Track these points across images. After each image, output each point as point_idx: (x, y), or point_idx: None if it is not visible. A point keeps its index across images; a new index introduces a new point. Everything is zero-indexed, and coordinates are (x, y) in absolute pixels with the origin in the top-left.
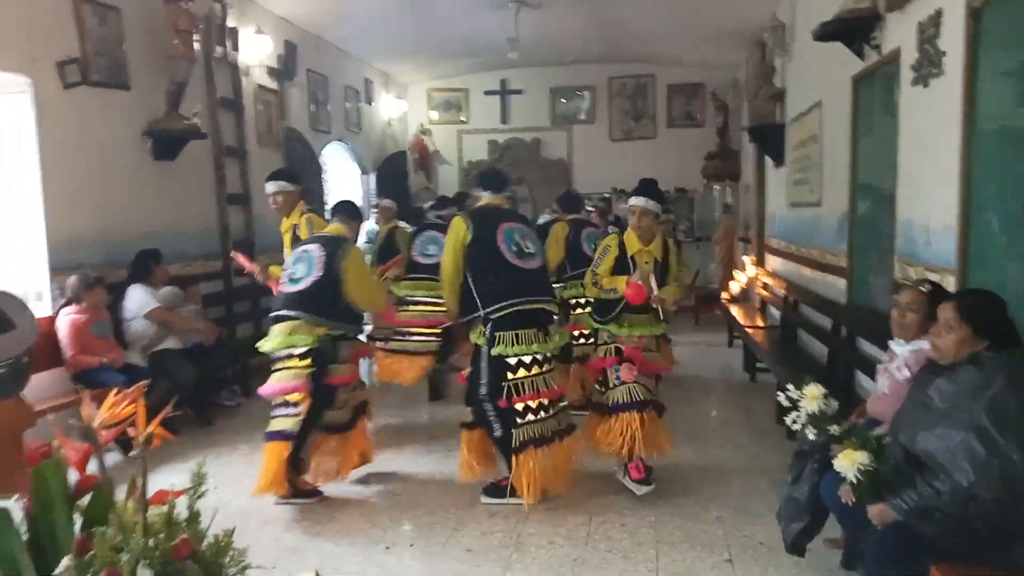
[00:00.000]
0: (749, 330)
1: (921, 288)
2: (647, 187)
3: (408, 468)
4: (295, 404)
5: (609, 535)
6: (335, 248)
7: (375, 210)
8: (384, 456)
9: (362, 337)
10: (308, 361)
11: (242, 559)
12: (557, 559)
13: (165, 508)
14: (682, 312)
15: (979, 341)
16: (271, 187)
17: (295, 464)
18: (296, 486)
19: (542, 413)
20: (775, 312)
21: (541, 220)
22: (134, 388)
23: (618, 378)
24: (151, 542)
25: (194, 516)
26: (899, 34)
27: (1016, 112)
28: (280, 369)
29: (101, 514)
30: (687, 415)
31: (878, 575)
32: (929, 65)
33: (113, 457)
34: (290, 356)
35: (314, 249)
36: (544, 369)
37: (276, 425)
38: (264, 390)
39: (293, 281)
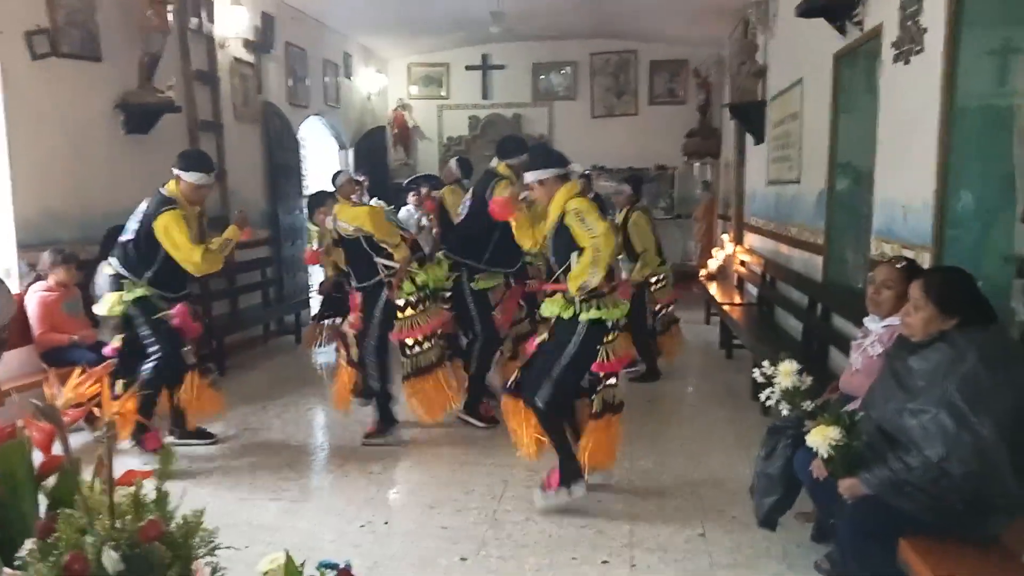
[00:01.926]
0: (726, 307)
1: (896, 265)
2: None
3: (383, 449)
4: None
5: (584, 510)
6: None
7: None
8: (360, 435)
9: None
10: None
11: (212, 539)
12: (532, 535)
13: (132, 489)
14: None
15: (948, 319)
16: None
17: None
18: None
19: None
20: (752, 289)
21: None
22: (100, 367)
23: None
24: (117, 524)
25: (162, 497)
26: (881, 11)
27: (996, 91)
28: None
29: (66, 496)
30: (664, 391)
31: (849, 549)
32: (910, 42)
33: (82, 437)
34: None
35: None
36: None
37: None
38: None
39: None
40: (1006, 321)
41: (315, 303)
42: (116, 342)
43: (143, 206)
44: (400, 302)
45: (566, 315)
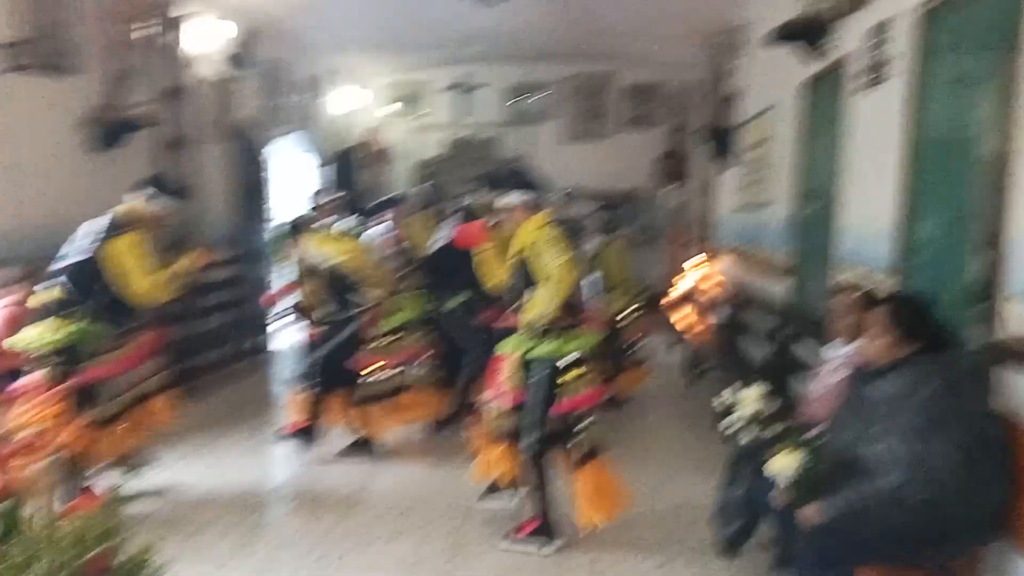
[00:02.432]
0: (690, 333)
1: (857, 293)
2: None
3: (342, 477)
4: None
5: None
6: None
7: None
8: (320, 466)
9: None
10: None
11: (161, 573)
12: (493, 567)
13: (79, 523)
14: None
15: (907, 345)
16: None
17: None
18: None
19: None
20: (718, 314)
21: None
22: (44, 391)
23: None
24: (62, 558)
25: (107, 531)
26: (849, 40)
27: (957, 118)
28: None
29: (9, 529)
30: (628, 418)
31: None
32: (875, 71)
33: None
34: None
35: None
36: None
37: None
38: None
39: None
40: (961, 348)
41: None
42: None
43: (87, 229)
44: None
45: (521, 352)
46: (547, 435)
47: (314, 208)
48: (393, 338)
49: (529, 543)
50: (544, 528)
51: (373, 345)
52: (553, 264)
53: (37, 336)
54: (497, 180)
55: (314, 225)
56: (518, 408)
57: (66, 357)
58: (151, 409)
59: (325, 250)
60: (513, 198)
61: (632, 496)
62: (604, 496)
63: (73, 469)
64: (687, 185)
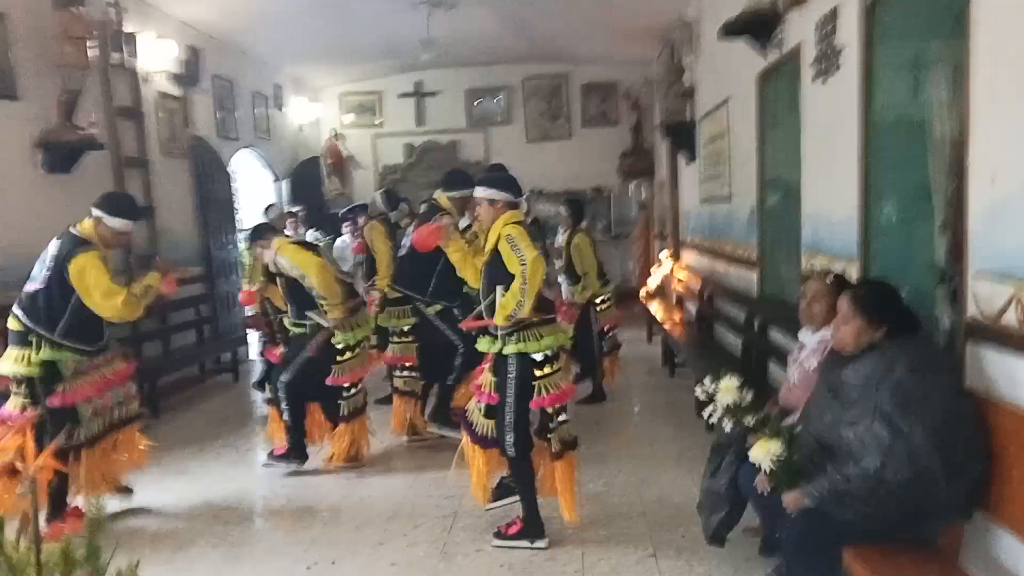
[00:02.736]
0: (667, 325)
1: (825, 279)
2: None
3: (326, 487)
4: None
5: None
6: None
7: (289, 218)
8: (303, 477)
9: None
10: None
11: None
12: (484, 566)
13: (61, 544)
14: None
15: (876, 330)
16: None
17: None
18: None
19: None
20: (692, 306)
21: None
22: (23, 418)
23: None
24: None
25: (93, 551)
26: (799, 31)
27: (910, 103)
28: None
29: None
30: (610, 412)
31: (794, 560)
32: (827, 61)
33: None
34: None
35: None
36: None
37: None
38: None
39: None
40: (931, 328)
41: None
42: (14, 406)
43: (51, 249)
44: (339, 346)
45: (494, 350)
46: (527, 432)
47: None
48: (359, 351)
49: (519, 540)
50: (532, 525)
51: (347, 359)
52: (523, 259)
53: (5, 364)
54: (450, 181)
55: (272, 236)
56: (493, 408)
57: (29, 388)
58: (125, 437)
59: (291, 260)
60: (484, 192)
61: (619, 487)
62: (568, 490)
63: (55, 492)
64: (653, 180)
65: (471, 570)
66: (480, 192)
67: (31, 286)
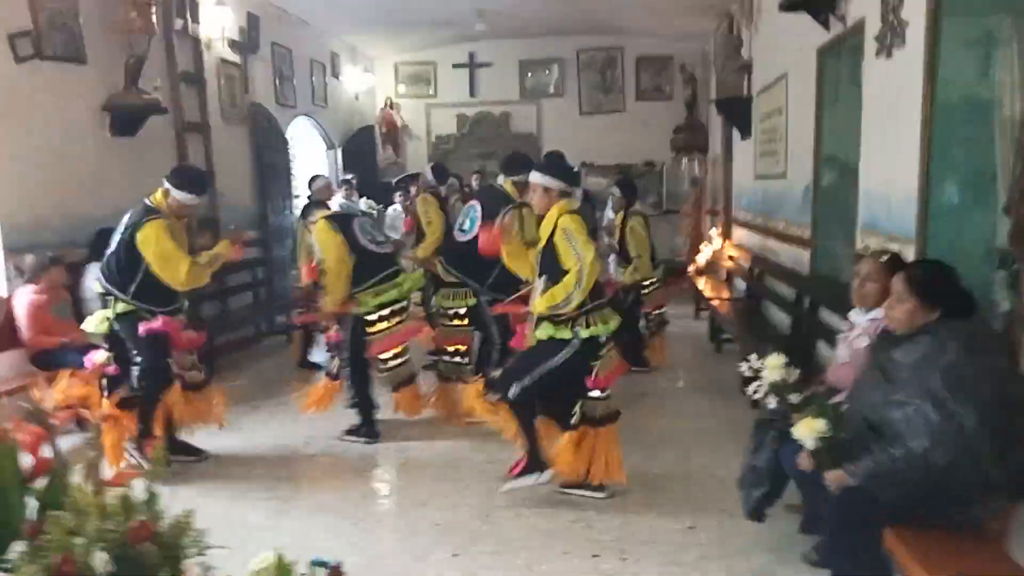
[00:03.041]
0: (715, 301)
1: (880, 258)
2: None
3: (376, 447)
4: None
5: (574, 504)
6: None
7: (343, 185)
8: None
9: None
10: None
11: (201, 539)
12: (524, 529)
13: (122, 490)
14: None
15: (930, 311)
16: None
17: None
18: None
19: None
20: (741, 284)
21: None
22: (88, 369)
23: None
24: (107, 525)
25: (152, 498)
26: (863, 4)
27: (978, 83)
28: None
29: (56, 498)
30: (654, 386)
31: (835, 539)
32: (892, 35)
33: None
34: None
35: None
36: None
37: None
38: None
39: None
40: (988, 312)
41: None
42: (100, 358)
43: (126, 217)
44: (371, 317)
45: (559, 336)
46: (535, 396)
47: (310, 195)
48: (394, 321)
49: (525, 478)
50: (533, 462)
51: (378, 329)
52: (581, 257)
53: (95, 323)
54: (511, 166)
55: (316, 212)
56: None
57: (112, 344)
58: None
59: (316, 237)
60: (540, 178)
61: (661, 458)
62: (581, 460)
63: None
64: (706, 156)
65: (513, 533)
66: (536, 178)
67: (108, 250)
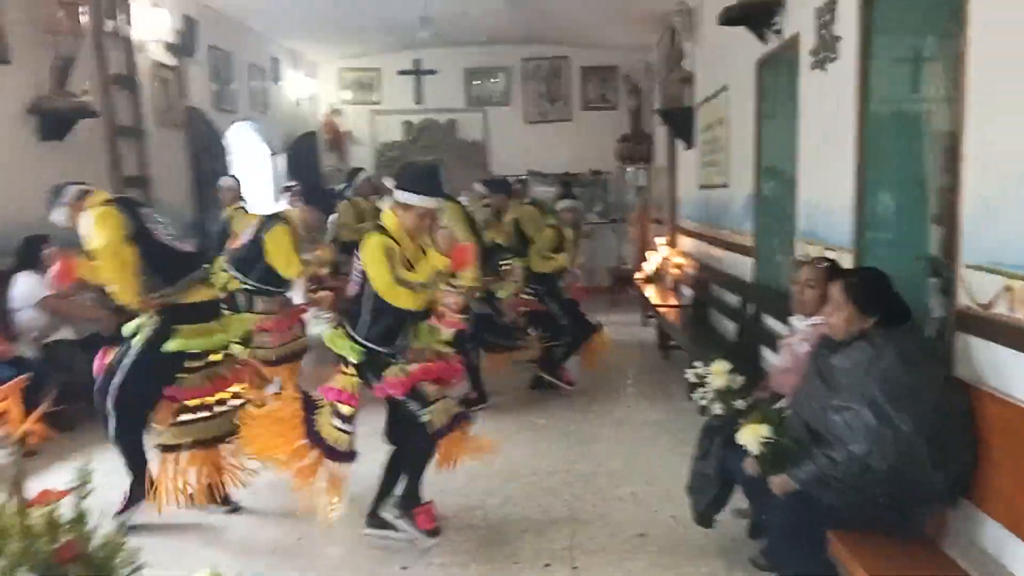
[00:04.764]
0: (662, 309)
1: (817, 266)
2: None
3: None
4: None
5: (525, 515)
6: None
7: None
8: None
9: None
10: None
11: (134, 559)
12: (474, 541)
13: (47, 509)
14: (597, 294)
15: (867, 318)
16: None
17: None
18: None
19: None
20: (687, 291)
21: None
22: (10, 383)
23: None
24: (32, 546)
25: (79, 516)
26: (798, 19)
27: (908, 97)
28: None
29: None
30: (602, 394)
31: (781, 543)
32: (826, 50)
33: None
34: None
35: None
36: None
37: None
38: None
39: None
40: (922, 318)
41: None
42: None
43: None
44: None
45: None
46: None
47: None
48: None
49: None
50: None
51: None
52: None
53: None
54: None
55: None
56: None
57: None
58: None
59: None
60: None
61: (609, 467)
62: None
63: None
64: (651, 165)
65: (462, 545)
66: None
67: (235, 246)
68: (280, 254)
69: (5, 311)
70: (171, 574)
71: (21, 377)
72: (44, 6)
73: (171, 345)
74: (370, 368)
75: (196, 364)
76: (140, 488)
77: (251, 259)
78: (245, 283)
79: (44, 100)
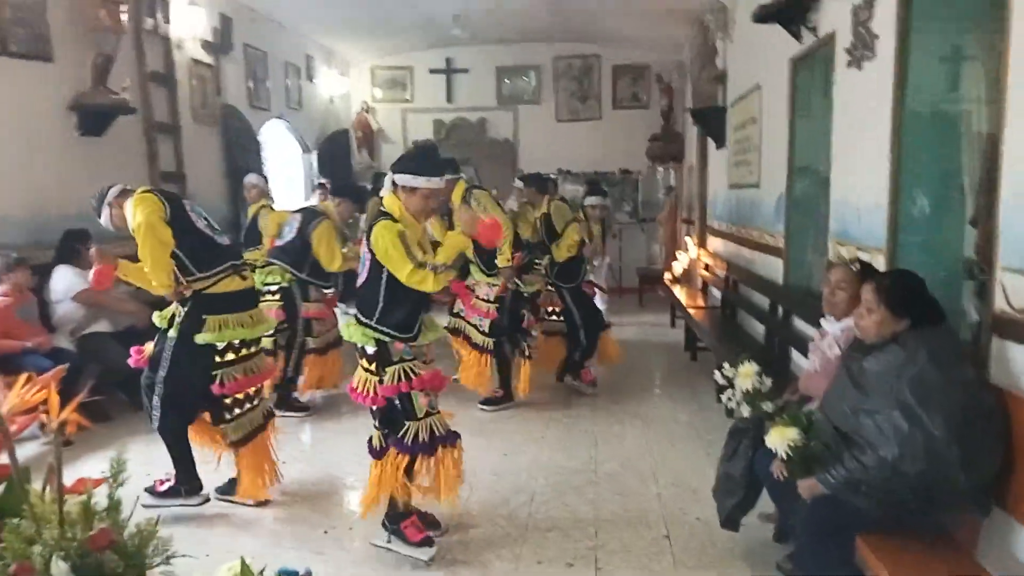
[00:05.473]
0: (690, 310)
1: (851, 267)
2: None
3: (350, 450)
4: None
5: (550, 514)
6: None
7: (318, 189)
8: (328, 437)
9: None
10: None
11: (167, 548)
12: (498, 540)
13: (83, 497)
14: (626, 293)
15: (899, 321)
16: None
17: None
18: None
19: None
20: (716, 292)
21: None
22: (48, 373)
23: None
24: (67, 533)
25: (114, 505)
26: (835, 17)
27: (947, 96)
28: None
29: (14, 505)
30: (629, 394)
31: (808, 547)
32: (863, 48)
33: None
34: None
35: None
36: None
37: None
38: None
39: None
40: (957, 322)
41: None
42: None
43: (292, 218)
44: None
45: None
46: None
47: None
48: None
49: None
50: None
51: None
52: None
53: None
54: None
55: None
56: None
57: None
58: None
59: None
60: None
61: (635, 467)
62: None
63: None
64: (681, 164)
65: (485, 543)
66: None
67: (282, 242)
68: (325, 248)
69: (45, 303)
70: (201, 563)
71: (59, 367)
72: (87, 5)
73: (207, 336)
74: (380, 359)
75: (233, 356)
76: (185, 479)
77: (299, 254)
78: (298, 276)
79: (85, 97)
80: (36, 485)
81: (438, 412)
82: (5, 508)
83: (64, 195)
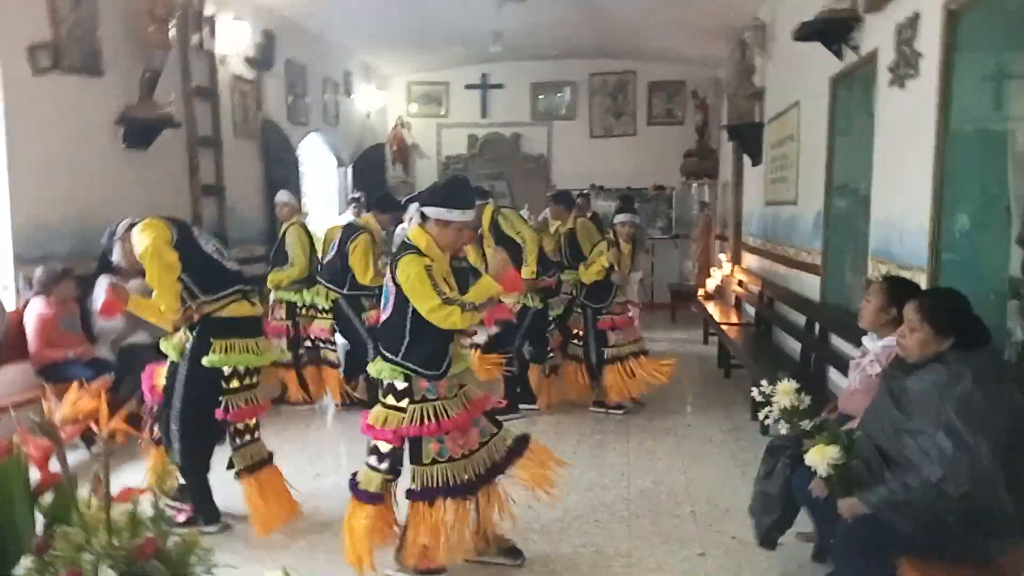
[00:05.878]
0: (724, 327)
1: (892, 287)
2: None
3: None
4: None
5: (583, 530)
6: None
7: (352, 204)
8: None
9: None
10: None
11: (209, 558)
12: (531, 557)
13: (130, 506)
14: (659, 309)
15: (943, 340)
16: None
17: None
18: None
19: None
20: (750, 309)
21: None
22: (97, 383)
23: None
24: (115, 541)
25: (159, 514)
26: (877, 35)
27: (991, 115)
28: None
29: (63, 513)
30: (662, 410)
31: (847, 568)
32: (906, 66)
33: (80, 454)
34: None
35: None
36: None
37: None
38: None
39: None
40: (1001, 342)
41: None
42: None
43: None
44: None
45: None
46: None
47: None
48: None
49: None
50: None
51: None
52: None
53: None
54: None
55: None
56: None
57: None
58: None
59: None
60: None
61: (669, 484)
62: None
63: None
64: (716, 181)
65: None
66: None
67: (328, 257)
68: (358, 261)
69: (87, 313)
70: (243, 573)
71: (106, 378)
72: (138, 22)
73: (213, 359)
74: (410, 395)
75: (237, 384)
76: (202, 508)
77: (339, 270)
78: (341, 293)
79: (131, 111)
80: (82, 493)
81: (462, 458)
82: (55, 515)
83: (109, 207)
